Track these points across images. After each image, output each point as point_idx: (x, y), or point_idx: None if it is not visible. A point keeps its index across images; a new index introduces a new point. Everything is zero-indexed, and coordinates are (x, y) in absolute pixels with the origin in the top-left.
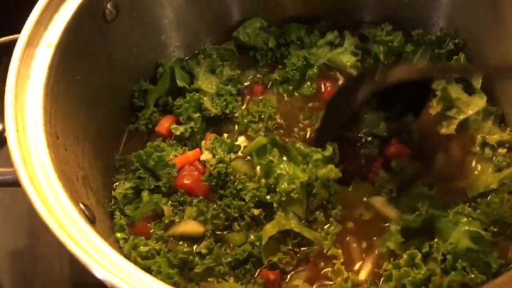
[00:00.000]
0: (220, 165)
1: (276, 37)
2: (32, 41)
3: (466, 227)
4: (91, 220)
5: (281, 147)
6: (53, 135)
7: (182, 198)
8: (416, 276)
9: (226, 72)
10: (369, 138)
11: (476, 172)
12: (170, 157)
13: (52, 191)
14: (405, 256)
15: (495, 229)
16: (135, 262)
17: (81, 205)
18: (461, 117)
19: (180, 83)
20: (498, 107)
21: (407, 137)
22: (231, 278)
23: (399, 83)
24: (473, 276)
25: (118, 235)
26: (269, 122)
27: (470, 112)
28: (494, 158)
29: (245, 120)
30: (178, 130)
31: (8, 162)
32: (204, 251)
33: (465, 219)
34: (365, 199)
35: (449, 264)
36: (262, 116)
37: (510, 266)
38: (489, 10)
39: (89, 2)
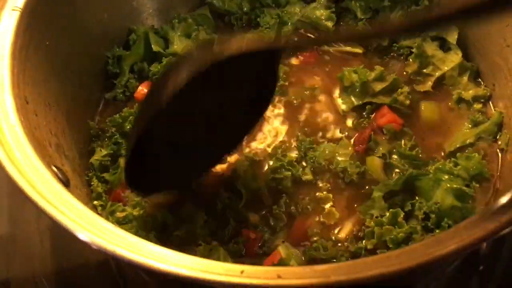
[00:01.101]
0: None
1: (250, 1)
2: None
3: (449, 185)
4: (65, 183)
5: None
6: (22, 98)
7: None
8: (398, 235)
9: (202, 36)
10: None
11: (453, 128)
12: None
13: (22, 153)
14: (387, 214)
15: (477, 185)
16: None
17: (54, 168)
18: (437, 74)
19: (155, 48)
20: (473, 63)
21: (400, 106)
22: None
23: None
24: None
25: (96, 202)
26: None
27: (446, 68)
28: (470, 114)
29: None
30: None
31: None
32: (184, 215)
33: (446, 177)
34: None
35: (433, 223)
36: None
37: None
38: None
39: None
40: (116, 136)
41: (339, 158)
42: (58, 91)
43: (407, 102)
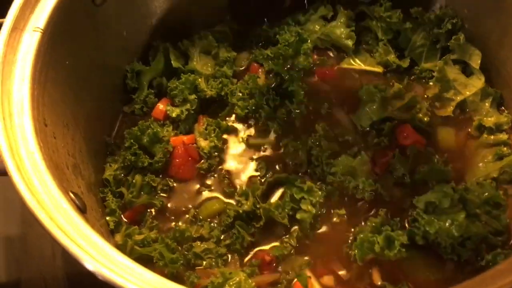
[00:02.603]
0: (212, 160)
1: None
2: (18, 25)
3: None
4: (82, 210)
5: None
6: (41, 122)
7: (173, 184)
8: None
9: (221, 54)
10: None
11: (476, 158)
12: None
13: (41, 181)
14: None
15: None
16: (131, 251)
17: (71, 194)
18: (458, 98)
19: (174, 63)
20: (496, 89)
21: (419, 123)
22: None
23: None
24: None
25: (108, 218)
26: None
27: (468, 93)
28: (495, 146)
29: (234, 99)
30: (174, 112)
31: None
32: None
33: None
34: None
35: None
36: (253, 92)
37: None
38: None
39: None
40: (135, 147)
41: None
42: (77, 110)
43: (426, 119)
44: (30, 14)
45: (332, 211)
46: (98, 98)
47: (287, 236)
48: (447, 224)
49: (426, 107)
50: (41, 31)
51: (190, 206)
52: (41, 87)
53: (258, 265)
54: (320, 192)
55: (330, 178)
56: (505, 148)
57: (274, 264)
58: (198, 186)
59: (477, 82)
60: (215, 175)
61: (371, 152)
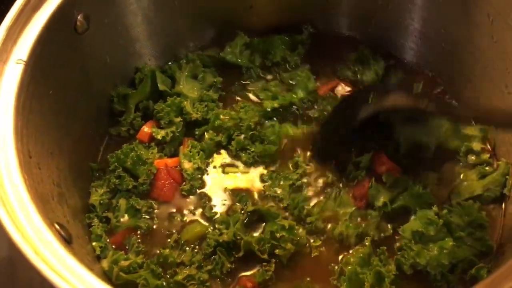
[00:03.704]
0: (195, 182)
1: (260, 54)
2: (1, 58)
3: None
4: (67, 240)
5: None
6: (25, 154)
7: (157, 206)
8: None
9: (208, 79)
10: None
11: (460, 179)
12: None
13: (25, 214)
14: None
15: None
16: (117, 277)
17: (56, 226)
18: None
19: (161, 86)
20: None
21: (394, 152)
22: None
23: (393, 108)
24: None
25: (94, 244)
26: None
27: None
28: (478, 165)
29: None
30: (159, 134)
31: None
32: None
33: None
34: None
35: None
36: (241, 124)
37: None
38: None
39: (59, 14)
40: (119, 170)
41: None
42: (61, 137)
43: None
44: (13, 46)
45: (312, 245)
46: (83, 124)
47: (268, 264)
48: (435, 252)
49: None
50: (24, 63)
51: (174, 230)
52: (25, 119)
53: None
54: (301, 231)
55: (310, 219)
56: (487, 168)
57: None
58: (180, 209)
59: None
60: (197, 198)
61: (350, 188)
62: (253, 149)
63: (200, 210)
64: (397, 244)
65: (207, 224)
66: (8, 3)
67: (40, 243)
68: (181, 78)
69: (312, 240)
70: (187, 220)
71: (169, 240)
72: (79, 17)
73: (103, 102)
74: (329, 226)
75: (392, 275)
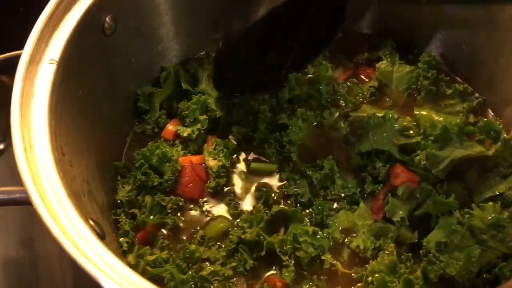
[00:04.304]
0: (220, 180)
1: None
2: (35, 58)
3: None
4: (101, 236)
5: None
6: (59, 151)
7: (182, 203)
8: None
9: None
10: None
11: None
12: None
13: (62, 209)
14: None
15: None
16: (143, 271)
17: (91, 222)
18: None
19: (184, 86)
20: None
21: (412, 162)
22: (236, 281)
23: None
24: None
25: (122, 239)
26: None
27: None
28: (500, 167)
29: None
30: (186, 132)
31: (12, 181)
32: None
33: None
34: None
35: None
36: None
37: None
38: None
39: (88, 16)
40: (145, 167)
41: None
42: (89, 137)
43: (424, 163)
44: (46, 47)
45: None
46: (109, 123)
47: (288, 265)
48: (463, 260)
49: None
50: (56, 63)
51: (199, 226)
52: (58, 118)
53: None
54: (323, 240)
55: (327, 231)
56: (508, 169)
57: None
58: (205, 205)
59: None
60: (222, 195)
61: (369, 200)
62: (275, 140)
63: (225, 207)
64: (422, 250)
65: (232, 220)
66: (40, 6)
67: (78, 238)
68: (203, 77)
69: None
70: (212, 217)
71: (195, 236)
72: (107, 19)
73: (128, 101)
74: (346, 239)
75: (421, 282)
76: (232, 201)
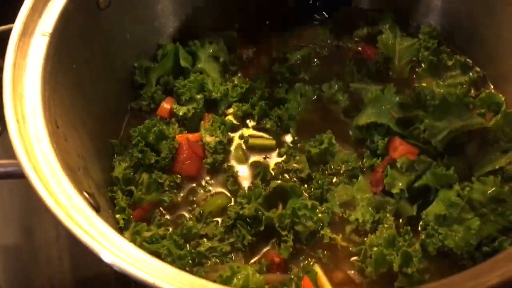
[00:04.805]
0: (217, 156)
1: None
2: (27, 30)
3: None
4: (96, 208)
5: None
6: (53, 124)
7: (179, 181)
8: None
9: (229, 64)
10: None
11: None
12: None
13: (56, 181)
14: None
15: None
16: (140, 247)
17: (85, 194)
18: None
19: (183, 63)
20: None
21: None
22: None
23: None
24: None
25: (118, 216)
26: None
27: None
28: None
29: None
30: (181, 110)
31: (6, 154)
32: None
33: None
34: None
35: None
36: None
37: None
38: None
39: None
40: (141, 144)
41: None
42: (85, 111)
43: (423, 136)
44: (38, 19)
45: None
46: (105, 99)
47: (286, 240)
48: (462, 233)
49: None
50: (49, 35)
51: (195, 203)
52: (51, 90)
53: (267, 265)
54: (322, 214)
55: (326, 205)
56: (508, 144)
57: (284, 266)
58: (203, 182)
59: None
60: (220, 172)
61: (369, 173)
62: (276, 114)
63: (223, 183)
64: (421, 223)
65: (230, 196)
66: None
67: (72, 209)
68: (203, 56)
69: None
70: (210, 194)
71: (192, 212)
72: None
73: (125, 78)
74: (345, 213)
75: (419, 254)
76: (230, 177)
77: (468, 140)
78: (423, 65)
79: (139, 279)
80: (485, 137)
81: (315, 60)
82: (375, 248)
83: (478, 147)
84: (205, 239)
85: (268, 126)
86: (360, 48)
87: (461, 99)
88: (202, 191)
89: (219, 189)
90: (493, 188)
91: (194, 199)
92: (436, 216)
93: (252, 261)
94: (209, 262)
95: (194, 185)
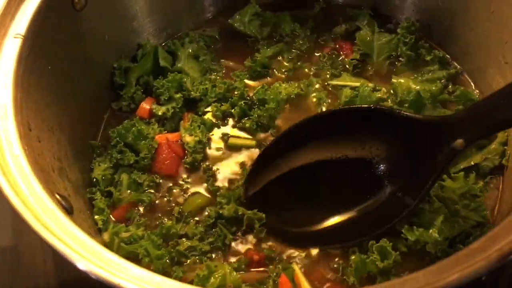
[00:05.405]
0: (197, 155)
1: (271, 26)
2: None
3: None
4: (69, 211)
5: None
6: (25, 126)
7: (159, 181)
8: None
9: (208, 62)
10: None
11: None
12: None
13: (26, 183)
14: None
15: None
16: (118, 248)
17: (57, 196)
18: None
19: (162, 62)
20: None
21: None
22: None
23: None
24: None
25: (97, 217)
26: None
27: None
28: None
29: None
30: (160, 110)
31: None
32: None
33: None
34: None
35: None
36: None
37: None
38: None
39: None
40: (120, 145)
41: None
42: (62, 114)
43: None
44: (11, 21)
45: None
46: (84, 101)
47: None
48: (433, 231)
49: None
50: (22, 37)
51: (174, 203)
52: (24, 92)
53: (246, 264)
54: None
55: None
56: (484, 140)
57: (262, 264)
58: (182, 182)
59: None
60: (200, 171)
61: None
62: (256, 114)
63: (203, 183)
64: None
65: (209, 196)
66: None
67: (41, 211)
68: (183, 56)
69: None
70: (190, 193)
71: (172, 213)
72: None
73: (104, 79)
74: None
75: (390, 244)
76: (210, 177)
77: None
78: (401, 59)
79: (104, 279)
80: None
81: (289, 57)
82: (353, 256)
83: None
84: (184, 239)
85: (247, 125)
86: (337, 46)
87: (435, 95)
88: (181, 191)
89: (198, 189)
90: (464, 185)
91: (173, 198)
92: None
93: (232, 260)
94: (188, 261)
95: (174, 184)
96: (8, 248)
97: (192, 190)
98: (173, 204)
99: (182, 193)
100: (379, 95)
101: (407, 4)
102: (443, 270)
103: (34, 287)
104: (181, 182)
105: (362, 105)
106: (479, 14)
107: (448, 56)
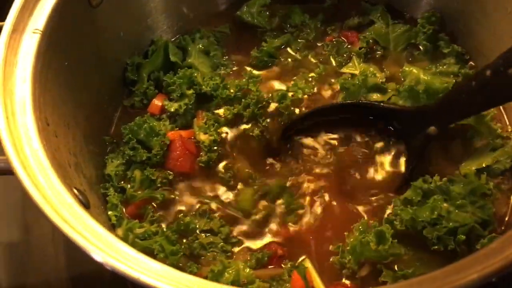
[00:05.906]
0: (212, 154)
1: (280, 17)
2: (18, 28)
3: None
4: (86, 205)
5: None
6: (43, 121)
7: (171, 177)
8: None
9: (219, 58)
10: None
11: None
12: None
13: (45, 177)
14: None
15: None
16: (133, 244)
17: (75, 190)
18: None
19: (173, 58)
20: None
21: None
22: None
23: None
24: None
25: (110, 213)
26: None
27: None
28: (490, 139)
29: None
30: (173, 107)
31: None
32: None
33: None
34: None
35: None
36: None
37: None
38: None
39: None
40: (133, 141)
41: None
42: (77, 109)
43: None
44: (29, 17)
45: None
46: (97, 97)
47: None
48: (425, 211)
49: None
50: (40, 32)
51: (190, 200)
52: (42, 88)
53: (268, 256)
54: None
55: None
56: (498, 140)
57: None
58: (197, 180)
59: None
60: (214, 169)
61: None
62: (264, 123)
63: (217, 180)
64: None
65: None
66: None
67: (60, 205)
68: (193, 51)
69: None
70: (205, 190)
71: (197, 207)
72: None
73: (117, 75)
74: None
75: (392, 230)
76: (226, 174)
77: (452, 138)
78: (420, 49)
79: (122, 273)
80: (465, 134)
81: (296, 47)
82: (352, 239)
83: (462, 145)
84: (203, 234)
85: (256, 132)
86: (341, 37)
87: (429, 87)
88: (195, 188)
89: (214, 185)
90: (474, 182)
91: (187, 196)
92: (403, 200)
93: (255, 252)
94: (205, 256)
95: (188, 182)
96: (19, 242)
97: (207, 187)
98: (192, 199)
99: (197, 190)
100: (375, 80)
101: (423, 2)
102: (461, 270)
103: (45, 281)
104: (194, 180)
105: (348, 101)
106: (495, 14)
107: (467, 53)
